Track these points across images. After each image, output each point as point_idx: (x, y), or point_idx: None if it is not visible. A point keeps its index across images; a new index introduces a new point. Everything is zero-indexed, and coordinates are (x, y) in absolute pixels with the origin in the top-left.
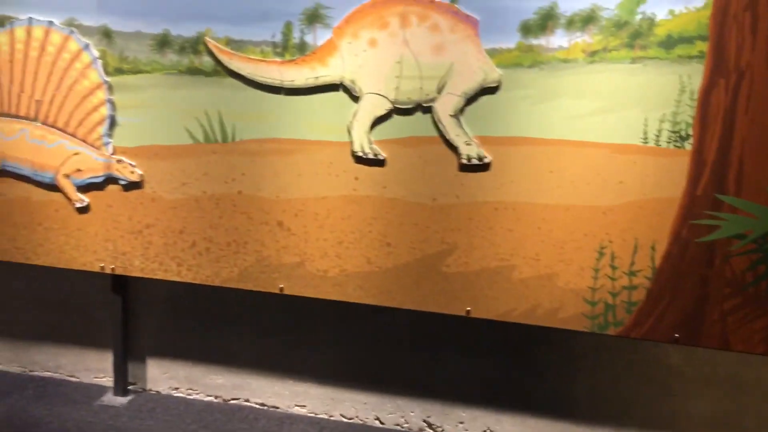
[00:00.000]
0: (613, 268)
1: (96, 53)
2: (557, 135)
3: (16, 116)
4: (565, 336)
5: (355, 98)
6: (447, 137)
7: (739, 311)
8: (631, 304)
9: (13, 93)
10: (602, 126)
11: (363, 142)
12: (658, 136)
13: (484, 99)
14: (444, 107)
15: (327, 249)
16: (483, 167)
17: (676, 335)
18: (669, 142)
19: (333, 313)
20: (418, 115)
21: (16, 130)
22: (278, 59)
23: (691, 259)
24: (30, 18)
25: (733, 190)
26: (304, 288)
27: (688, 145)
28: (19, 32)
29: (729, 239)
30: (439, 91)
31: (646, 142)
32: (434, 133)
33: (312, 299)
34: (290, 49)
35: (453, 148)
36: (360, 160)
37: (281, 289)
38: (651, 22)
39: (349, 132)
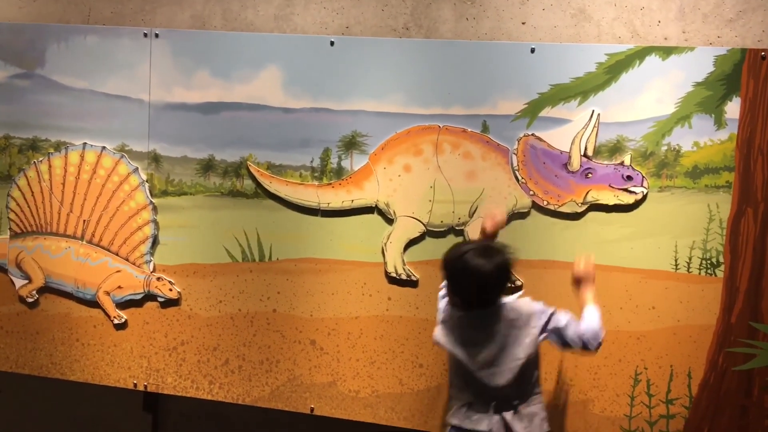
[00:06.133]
0: (650, 395)
1: (144, 176)
2: None
3: (64, 235)
4: None
5: (390, 221)
6: None
7: None
8: None
9: (62, 213)
10: (632, 252)
11: (396, 263)
12: (689, 263)
13: (515, 223)
14: (476, 231)
15: (359, 369)
16: (514, 289)
17: None
18: (700, 269)
19: None
20: (451, 237)
21: (62, 249)
22: (316, 182)
23: (728, 388)
24: (84, 143)
25: (767, 318)
26: (335, 409)
27: (720, 273)
28: (73, 156)
29: (767, 368)
30: (471, 215)
31: (677, 269)
32: None
33: (344, 419)
34: (328, 173)
35: None
36: (393, 280)
37: (312, 409)
38: (677, 153)
39: (383, 253)
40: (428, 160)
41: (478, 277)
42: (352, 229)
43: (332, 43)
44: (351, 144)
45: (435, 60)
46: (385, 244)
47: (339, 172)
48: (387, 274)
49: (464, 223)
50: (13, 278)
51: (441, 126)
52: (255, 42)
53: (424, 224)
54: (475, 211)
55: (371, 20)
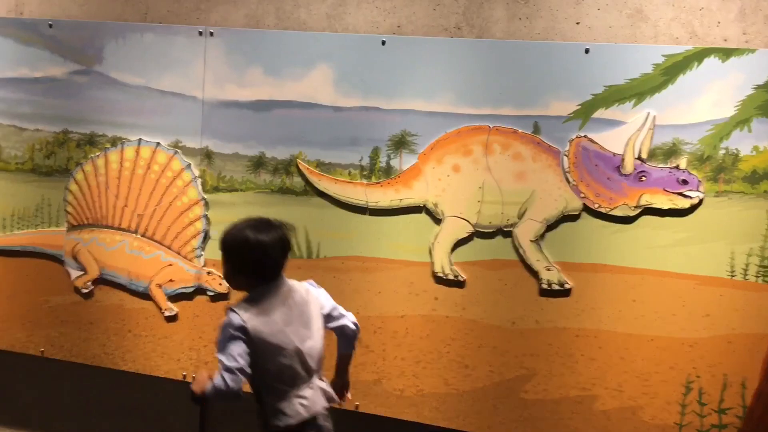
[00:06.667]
0: (702, 404)
1: (196, 172)
2: (639, 264)
3: (118, 228)
4: None
5: (438, 220)
6: (527, 262)
7: None
8: None
9: (117, 207)
10: (686, 257)
11: (444, 263)
12: (745, 270)
13: (565, 225)
14: (524, 232)
15: (404, 368)
16: (564, 293)
17: None
18: (758, 277)
19: None
20: (499, 238)
21: (117, 241)
22: (365, 181)
23: None
24: (140, 139)
25: None
26: (380, 407)
27: None
28: (129, 152)
29: None
30: (520, 216)
31: (734, 276)
32: (515, 257)
33: (388, 418)
34: (376, 172)
35: (533, 272)
36: (440, 280)
37: (357, 406)
38: (735, 157)
39: (431, 253)
40: (478, 160)
41: (266, 248)
42: (399, 228)
43: (383, 43)
44: (400, 143)
45: (486, 60)
46: (433, 244)
47: (388, 171)
48: (434, 274)
49: (513, 225)
50: (70, 269)
51: (491, 126)
52: (307, 41)
53: (472, 225)
54: (524, 212)
55: (423, 20)
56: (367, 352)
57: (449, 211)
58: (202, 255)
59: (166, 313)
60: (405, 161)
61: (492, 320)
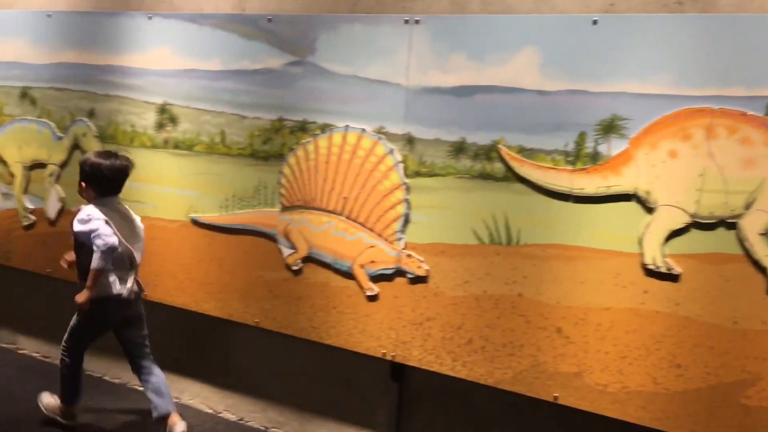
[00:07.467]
0: None
1: (399, 157)
2: None
3: (326, 210)
4: None
5: (649, 209)
6: (754, 257)
7: None
8: None
9: (325, 190)
10: None
11: (655, 254)
12: None
13: None
14: (752, 224)
15: (608, 362)
16: None
17: None
18: None
19: None
20: (721, 230)
21: (323, 222)
22: (569, 167)
23: None
24: (347, 126)
25: None
26: (580, 400)
27: None
28: (336, 137)
29: None
30: (747, 207)
31: None
32: (739, 251)
33: (588, 414)
34: (582, 158)
35: (761, 268)
36: (651, 273)
37: (556, 398)
38: None
39: (640, 243)
40: (698, 145)
41: (101, 169)
42: (606, 216)
43: (595, 22)
44: (609, 127)
45: (712, 36)
46: (643, 234)
47: (594, 157)
48: (644, 266)
49: (738, 216)
50: (282, 247)
51: (715, 108)
52: (513, 24)
53: (689, 215)
54: (752, 203)
55: None
56: (568, 343)
57: (663, 200)
58: (402, 238)
59: (368, 293)
60: (614, 146)
61: (710, 318)
